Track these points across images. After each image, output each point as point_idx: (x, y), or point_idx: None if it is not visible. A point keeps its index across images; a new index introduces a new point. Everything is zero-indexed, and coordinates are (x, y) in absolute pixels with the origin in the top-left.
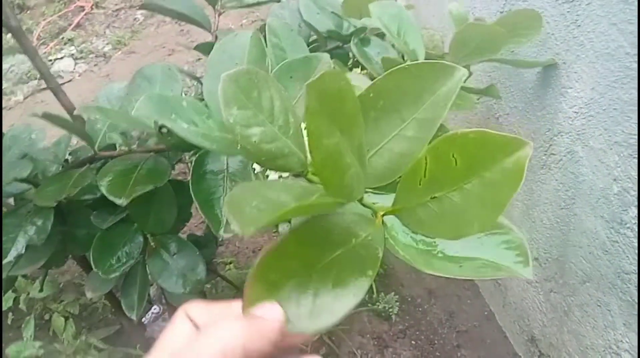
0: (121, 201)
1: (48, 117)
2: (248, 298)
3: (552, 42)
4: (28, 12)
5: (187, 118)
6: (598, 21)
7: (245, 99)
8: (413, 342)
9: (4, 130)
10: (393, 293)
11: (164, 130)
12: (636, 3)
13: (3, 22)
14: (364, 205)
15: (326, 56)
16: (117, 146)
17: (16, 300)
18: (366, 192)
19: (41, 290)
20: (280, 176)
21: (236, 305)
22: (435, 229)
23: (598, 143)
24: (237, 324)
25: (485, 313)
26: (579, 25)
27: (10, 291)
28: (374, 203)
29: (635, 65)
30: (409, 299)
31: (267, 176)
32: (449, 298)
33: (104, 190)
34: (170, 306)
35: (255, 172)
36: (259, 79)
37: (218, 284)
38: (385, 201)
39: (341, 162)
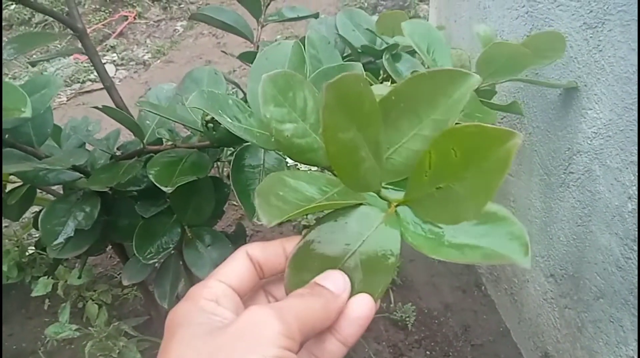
0: (167, 189)
1: (107, 110)
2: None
3: (575, 65)
4: None
5: (232, 114)
6: (619, 47)
7: (281, 98)
8: (428, 353)
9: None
10: (410, 303)
11: (210, 125)
12: None
13: (70, 23)
14: (381, 197)
15: (359, 65)
16: (164, 141)
17: (54, 286)
18: (386, 187)
19: (79, 277)
20: (309, 170)
21: (287, 245)
22: (439, 216)
23: (615, 162)
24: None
25: (501, 328)
26: (601, 50)
27: (48, 277)
28: (390, 196)
29: None
30: (426, 311)
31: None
32: (465, 312)
33: (152, 178)
34: None
35: (288, 166)
36: (295, 81)
37: None
38: (398, 196)
39: (355, 155)
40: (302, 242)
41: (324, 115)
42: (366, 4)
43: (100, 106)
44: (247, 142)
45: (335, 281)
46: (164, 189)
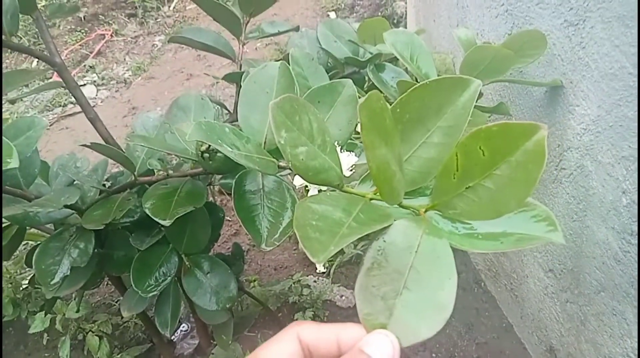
0: (165, 222)
1: (96, 147)
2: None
3: (559, 62)
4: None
5: (230, 143)
6: (601, 43)
7: (290, 123)
8: (433, 355)
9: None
10: None
11: (206, 155)
12: (636, 27)
13: (48, 59)
14: (403, 207)
15: (349, 81)
16: (155, 171)
17: (52, 321)
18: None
19: (77, 311)
20: (319, 191)
21: (343, 333)
22: (474, 214)
23: (606, 157)
24: None
25: (504, 325)
26: (584, 47)
27: (45, 314)
28: (413, 204)
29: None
30: None
31: (308, 191)
32: (467, 311)
33: (148, 212)
34: (199, 324)
35: (296, 188)
36: (299, 105)
37: (243, 301)
38: (417, 203)
39: (389, 169)
40: (361, 272)
41: (363, 135)
42: (343, 5)
43: (89, 144)
44: (244, 168)
45: (382, 348)
46: (162, 223)
